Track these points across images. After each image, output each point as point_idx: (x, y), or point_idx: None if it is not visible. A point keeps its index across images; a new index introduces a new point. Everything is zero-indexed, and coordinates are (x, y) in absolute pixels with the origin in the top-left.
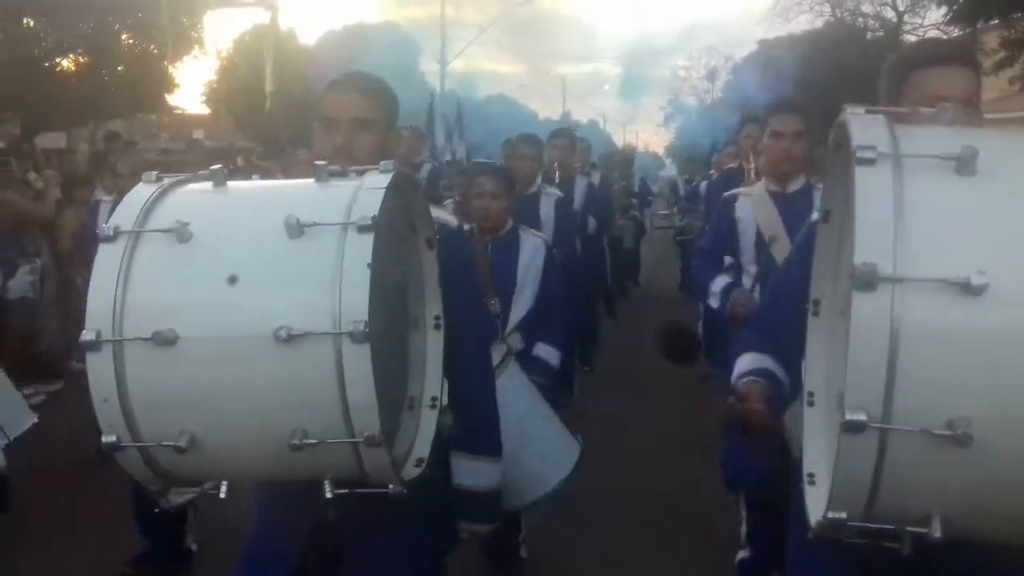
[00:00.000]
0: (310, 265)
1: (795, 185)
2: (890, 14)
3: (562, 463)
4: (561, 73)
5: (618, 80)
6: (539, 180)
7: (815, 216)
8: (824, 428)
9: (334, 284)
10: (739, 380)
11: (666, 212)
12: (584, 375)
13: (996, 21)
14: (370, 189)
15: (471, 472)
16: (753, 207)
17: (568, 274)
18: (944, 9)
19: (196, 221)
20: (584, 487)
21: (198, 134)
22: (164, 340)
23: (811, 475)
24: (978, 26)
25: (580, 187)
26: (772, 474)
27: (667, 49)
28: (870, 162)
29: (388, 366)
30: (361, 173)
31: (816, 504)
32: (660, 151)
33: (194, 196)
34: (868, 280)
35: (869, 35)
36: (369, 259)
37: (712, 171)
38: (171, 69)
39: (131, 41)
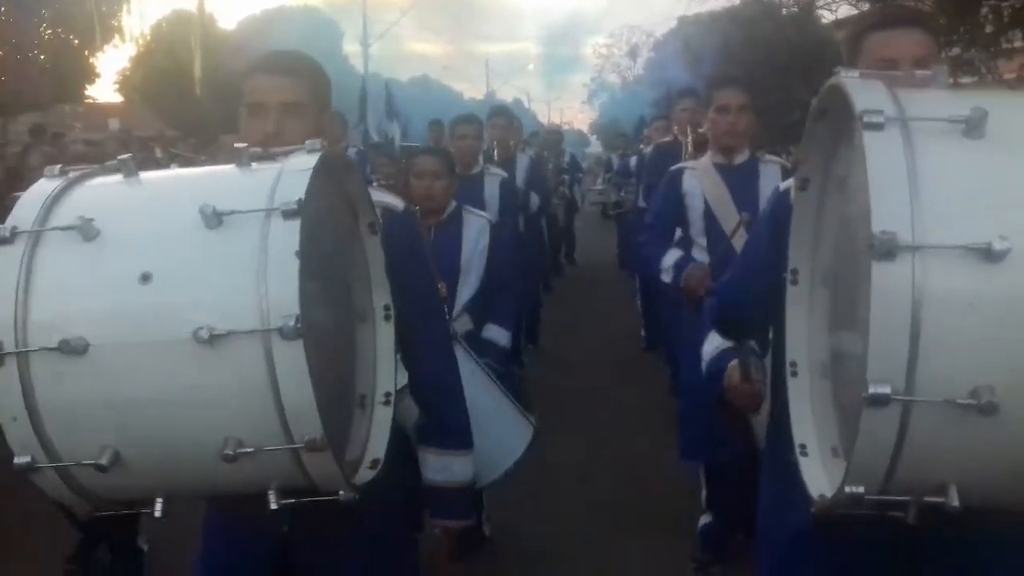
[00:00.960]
0: (231, 257)
1: (741, 158)
2: None
3: (516, 444)
4: (484, 53)
5: (541, 59)
6: (481, 160)
7: (783, 186)
8: (812, 398)
9: (259, 276)
10: (717, 360)
11: (600, 188)
12: (529, 352)
13: None
14: (295, 171)
15: (443, 468)
16: (700, 180)
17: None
18: None
19: (103, 216)
20: (538, 462)
21: (114, 124)
22: (73, 349)
23: (803, 446)
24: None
25: (522, 165)
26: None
27: (589, 27)
28: (878, 127)
29: (335, 363)
30: (287, 155)
31: (814, 477)
32: (584, 128)
33: (101, 190)
34: (888, 249)
35: (784, 12)
36: (297, 246)
37: (643, 146)
38: (91, 59)
39: (50, 31)
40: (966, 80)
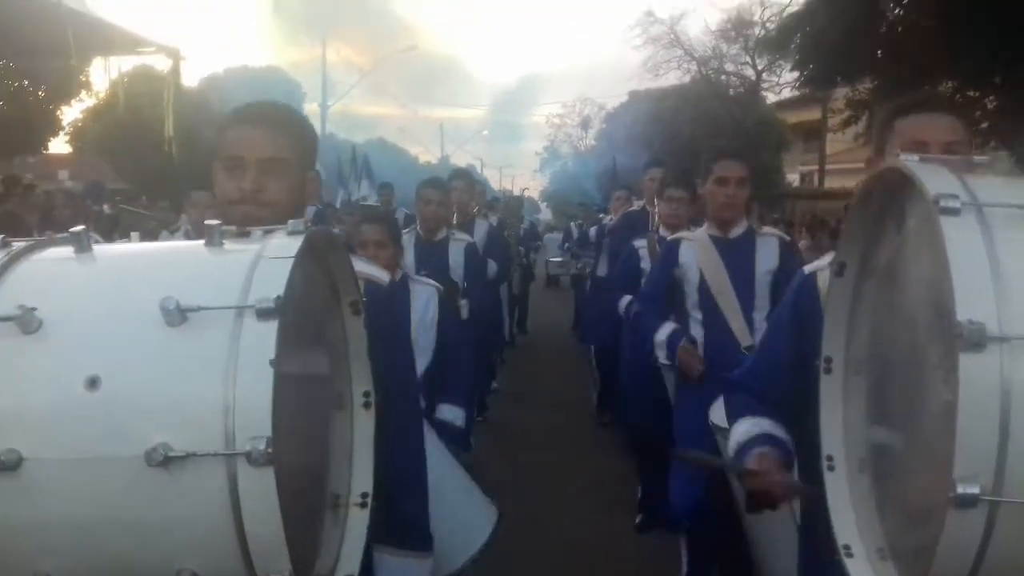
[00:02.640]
0: (193, 363)
1: (738, 230)
2: (749, 72)
3: (481, 529)
4: (438, 118)
5: (495, 126)
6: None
7: (807, 269)
8: (852, 494)
9: (226, 389)
10: (745, 451)
11: (561, 259)
12: (478, 425)
13: (842, 85)
14: (274, 259)
15: (400, 571)
16: (696, 252)
17: (474, 323)
18: (797, 72)
19: (46, 304)
20: (502, 548)
21: (63, 175)
22: (3, 464)
23: (847, 547)
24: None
25: (481, 230)
26: (711, 514)
27: (541, 97)
28: (954, 211)
29: (305, 460)
30: (268, 232)
31: None
32: (535, 195)
33: (48, 268)
34: (977, 339)
35: (731, 91)
36: (272, 353)
37: (603, 216)
38: (57, 112)
39: (16, 84)
40: None
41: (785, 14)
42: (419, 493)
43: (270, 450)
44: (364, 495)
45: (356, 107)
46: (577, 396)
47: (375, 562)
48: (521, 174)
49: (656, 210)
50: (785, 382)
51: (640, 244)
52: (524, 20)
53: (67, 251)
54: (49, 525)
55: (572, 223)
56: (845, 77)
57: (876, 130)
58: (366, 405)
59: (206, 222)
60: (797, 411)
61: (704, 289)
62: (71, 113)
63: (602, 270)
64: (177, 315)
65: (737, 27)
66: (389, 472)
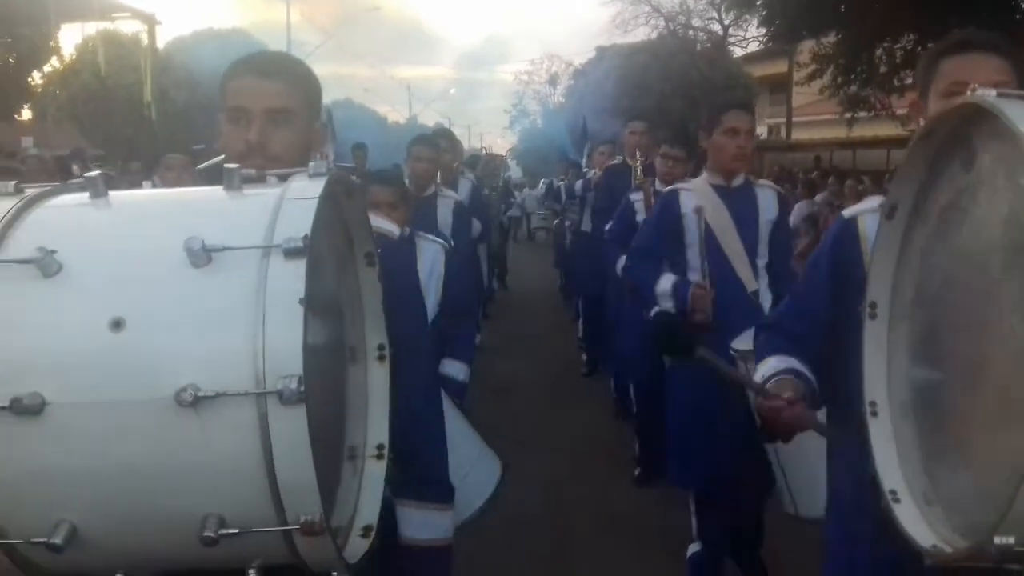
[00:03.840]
0: (221, 303)
1: (738, 180)
2: (717, 28)
3: (488, 481)
4: (406, 77)
5: (462, 84)
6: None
7: (847, 213)
8: (896, 440)
9: (255, 327)
10: (768, 381)
11: (543, 214)
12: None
13: (808, 39)
14: (298, 200)
15: (424, 524)
16: (698, 201)
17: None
18: (764, 28)
19: (66, 247)
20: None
21: (27, 142)
22: (26, 409)
23: (893, 492)
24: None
25: (464, 189)
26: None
27: (510, 55)
28: None
29: (322, 413)
30: (283, 177)
31: (914, 525)
32: (504, 153)
33: (64, 214)
34: None
35: (699, 47)
36: (302, 292)
37: (587, 170)
38: (29, 78)
39: None
40: (862, 115)
41: None
42: (438, 446)
43: (302, 389)
44: (380, 447)
45: (322, 67)
46: (561, 349)
47: (399, 516)
48: (489, 132)
49: (637, 163)
50: (821, 328)
51: (636, 197)
52: None
53: (82, 197)
54: (72, 471)
55: (554, 179)
56: (811, 31)
57: (919, 71)
58: (380, 358)
59: (225, 166)
60: (832, 358)
61: (709, 236)
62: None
63: (586, 225)
64: (203, 255)
65: None
66: (406, 426)
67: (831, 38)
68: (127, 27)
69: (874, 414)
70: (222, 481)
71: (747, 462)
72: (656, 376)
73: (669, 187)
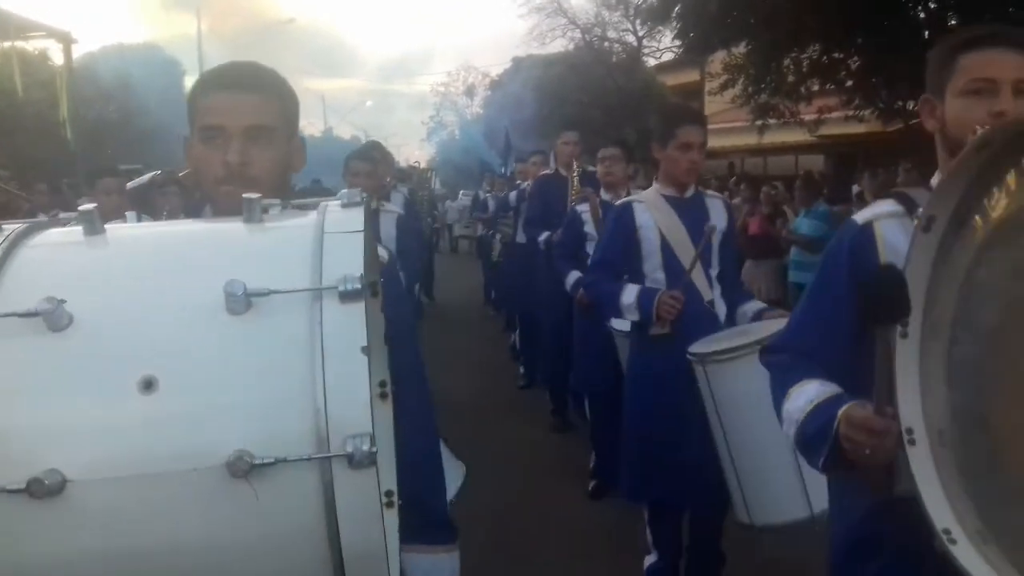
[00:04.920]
0: (271, 354)
1: (689, 191)
2: (631, 39)
3: (452, 481)
4: (320, 89)
5: (378, 96)
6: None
7: (860, 219)
8: (939, 472)
9: (313, 382)
10: (827, 409)
11: (466, 224)
12: None
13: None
14: (341, 234)
15: (432, 568)
16: (652, 213)
17: (408, 294)
18: (678, 40)
19: (71, 295)
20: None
21: None
22: (45, 490)
23: (947, 532)
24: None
25: (397, 202)
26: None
27: (427, 67)
28: None
29: None
30: (303, 207)
31: (976, 565)
32: (423, 164)
33: (59, 255)
34: None
35: (614, 58)
36: (364, 339)
37: (519, 181)
38: None
39: None
40: (772, 122)
41: None
42: (439, 484)
43: (374, 449)
44: (389, 493)
45: None
46: (495, 361)
47: (405, 564)
48: (407, 143)
49: (573, 173)
50: (849, 346)
51: (583, 208)
52: None
53: (74, 234)
54: (100, 561)
55: (479, 191)
56: (722, 43)
57: (933, 68)
58: (383, 396)
59: (244, 195)
60: (855, 379)
61: (666, 248)
62: None
63: (520, 236)
64: (242, 301)
65: None
66: (409, 467)
67: (741, 49)
68: (33, 44)
69: (911, 442)
70: (281, 555)
71: (704, 474)
72: (613, 388)
73: (621, 201)
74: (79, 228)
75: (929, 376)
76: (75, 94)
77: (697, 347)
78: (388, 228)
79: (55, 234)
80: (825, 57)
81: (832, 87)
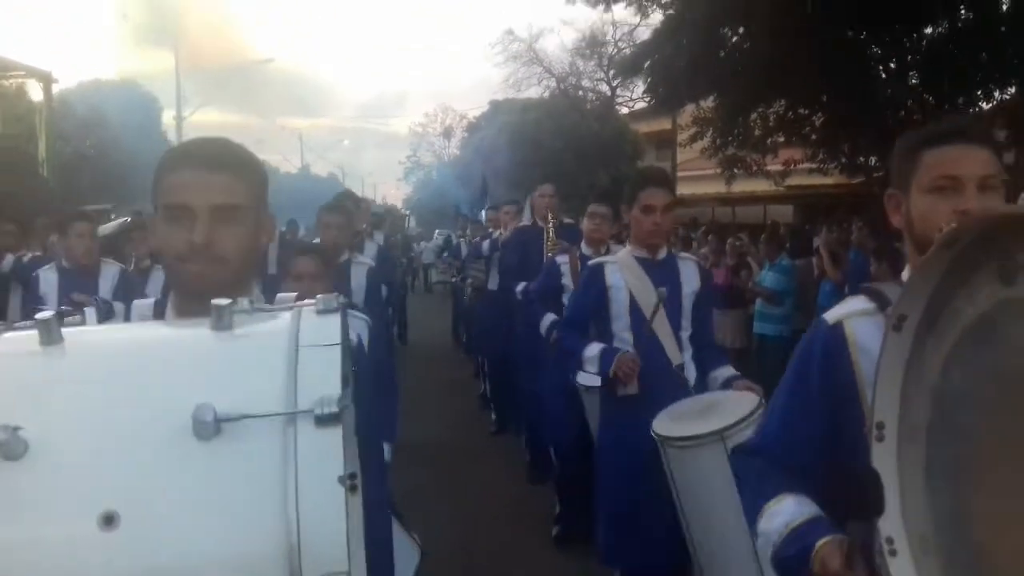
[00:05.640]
0: (240, 485)
1: (661, 253)
2: (605, 88)
3: (403, 567)
4: (297, 127)
5: (355, 135)
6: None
7: (830, 318)
8: None
9: (285, 515)
10: (810, 534)
11: (443, 267)
12: None
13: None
14: (317, 347)
15: None
16: (623, 273)
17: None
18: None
19: (31, 419)
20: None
21: None
22: None
23: None
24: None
25: (370, 252)
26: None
27: (405, 108)
28: None
29: None
30: (276, 310)
31: None
32: (399, 204)
33: (11, 368)
34: None
35: (588, 105)
36: (340, 468)
37: (491, 229)
38: None
39: None
40: (739, 173)
41: (633, 42)
42: (389, 572)
43: None
44: None
45: (211, 118)
46: (466, 406)
47: None
48: (384, 182)
49: (549, 225)
50: (821, 454)
51: (562, 260)
52: (386, 35)
53: (28, 343)
54: None
55: (450, 233)
56: (690, 97)
57: (897, 163)
58: (352, 488)
59: (213, 301)
60: (830, 481)
61: (635, 309)
62: None
63: (493, 283)
64: (213, 427)
65: (591, 46)
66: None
67: (710, 103)
68: (8, 81)
69: (892, 552)
70: None
71: (676, 541)
72: (579, 436)
73: (593, 261)
74: (35, 335)
75: (908, 481)
76: (52, 130)
77: (661, 422)
78: (359, 280)
79: (9, 341)
80: (791, 112)
81: (797, 140)
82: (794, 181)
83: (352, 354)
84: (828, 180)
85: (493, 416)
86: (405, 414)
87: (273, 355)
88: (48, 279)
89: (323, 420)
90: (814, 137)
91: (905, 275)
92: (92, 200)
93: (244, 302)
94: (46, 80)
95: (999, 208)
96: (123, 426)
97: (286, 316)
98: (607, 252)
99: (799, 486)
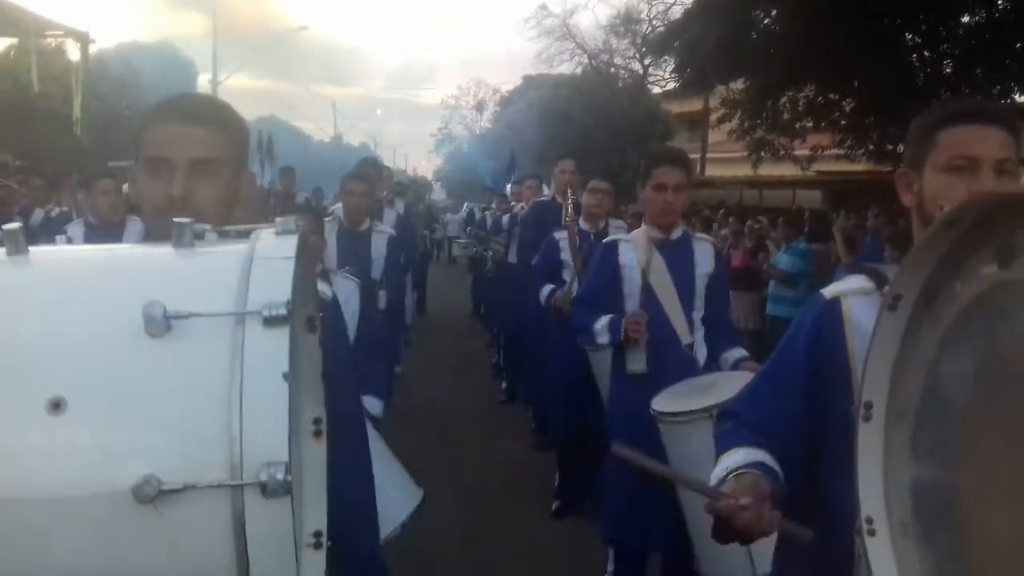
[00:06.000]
0: (187, 378)
1: (676, 233)
2: (637, 67)
3: (404, 504)
4: (331, 95)
5: (388, 105)
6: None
7: (828, 293)
8: (898, 563)
9: (230, 407)
10: (729, 475)
11: (465, 241)
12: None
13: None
14: (271, 259)
15: None
16: (637, 253)
17: (390, 312)
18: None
19: None
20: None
21: None
22: None
23: None
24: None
25: (389, 220)
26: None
27: (438, 79)
28: None
29: None
30: (241, 234)
31: None
32: (429, 175)
33: None
34: None
35: (620, 83)
36: (285, 365)
37: (513, 203)
38: None
39: None
40: (767, 156)
41: (667, 20)
42: (372, 528)
43: (289, 478)
44: (317, 534)
45: (247, 83)
46: (480, 375)
47: None
48: (414, 153)
49: (568, 201)
50: (795, 425)
51: (560, 235)
52: (419, 4)
53: None
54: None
55: (475, 206)
56: (720, 80)
57: (912, 140)
58: (316, 433)
59: (174, 220)
60: (808, 463)
61: (647, 289)
62: None
63: (512, 257)
64: (162, 323)
65: (625, 23)
66: (340, 510)
67: (739, 85)
68: (47, 40)
69: (871, 532)
70: None
71: (678, 521)
72: (579, 410)
73: (608, 239)
74: (2, 249)
75: (892, 462)
76: (88, 89)
77: (660, 399)
78: (379, 248)
79: None
80: (820, 98)
81: (825, 126)
82: (823, 167)
83: (326, 306)
84: (858, 167)
85: (504, 385)
86: (418, 381)
87: (228, 266)
88: (76, 234)
89: (271, 321)
90: (843, 123)
91: None
92: (125, 157)
93: (212, 233)
94: (83, 40)
95: (999, 189)
96: (76, 323)
97: (249, 237)
98: (605, 228)
99: (766, 445)
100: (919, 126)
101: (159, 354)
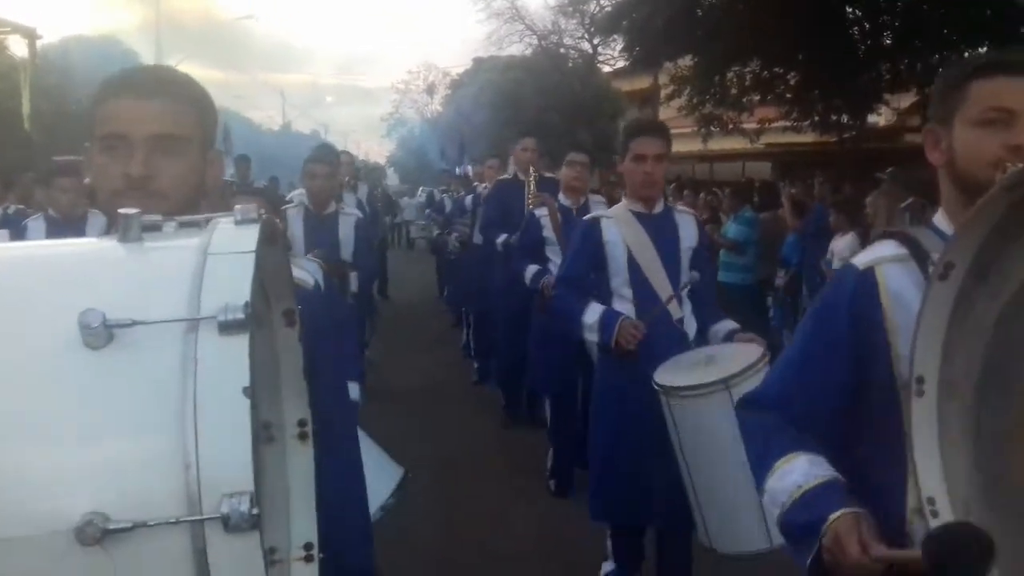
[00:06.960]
0: (132, 396)
1: (658, 207)
2: (586, 47)
3: (384, 485)
4: (279, 83)
5: (338, 92)
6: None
7: (860, 263)
8: None
9: (183, 429)
10: (821, 501)
11: (423, 224)
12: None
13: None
14: (227, 255)
15: None
16: (620, 229)
17: (362, 295)
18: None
19: None
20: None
21: None
22: None
23: None
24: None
25: (350, 203)
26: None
27: (387, 65)
28: None
29: None
30: (194, 224)
31: None
32: (382, 161)
33: None
34: None
35: (570, 63)
36: (247, 380)
37: (476, 183)
38: None
39: None
40: (715, 131)
41: (616, 1)
42: (365, 536)
43: (255, 511)
44: (308, 546)
45: (191, 73)
46: (447, 358)
47: None
48: (366, 139)
49: (530, 179)
50: (842, 402)
51: (541, 212)
52: None
53: None
54: None
55: (434, 190)
56: (668, 58)
57: (940, 94)
58: (302, 436)
59: (120, 211)
60: (845, 439)
61: (633, 265)
62: None
63: (478, 238)
64: (102, 333)
65: (573, 3)
66: (330, 516)
67: (687, 62)
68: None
69: (934, 514)
70: None
71: (672, 493)
72: (573, 386)
73: (590, 216)
74: None
75: (949, 439)
76: (35, 86)
77: (663, 374)
78: (347, 231)
79: None
80: (766, 72)
81: (772, 99)
82: (771, 139)
83: (307, 296)
84: (805, 138)
85: (476, 365)
86: (387, 364)
87: (180, 263)
88: (36, 228)
89: (227, 327)
90: (789, 96)
91: (939, 220)
92: (74, 153)
93: (170, 223)
94: (31, 36)
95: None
96: (7, 335)
97: (200, 228)
98: (585, 203)
99: (810, 441)
100: (946, 79)
101: (100, 369)
